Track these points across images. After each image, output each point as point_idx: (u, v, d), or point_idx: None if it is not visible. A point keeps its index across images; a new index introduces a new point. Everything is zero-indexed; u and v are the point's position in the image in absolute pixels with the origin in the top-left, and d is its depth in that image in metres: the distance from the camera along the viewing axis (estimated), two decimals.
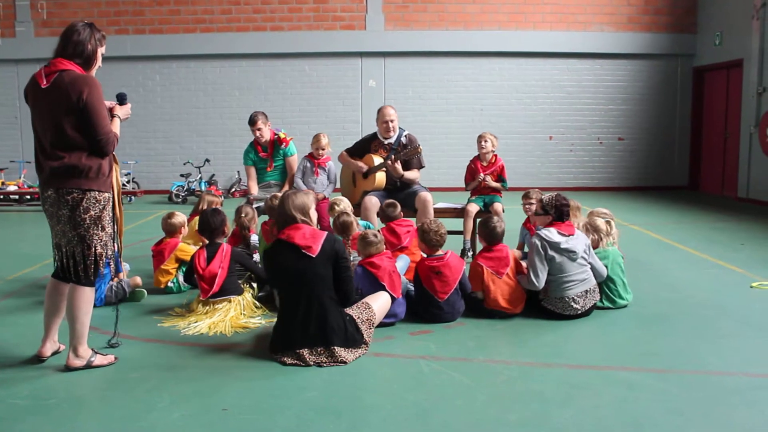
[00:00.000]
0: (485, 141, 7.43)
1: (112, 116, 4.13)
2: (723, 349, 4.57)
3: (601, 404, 3.65)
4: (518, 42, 14.93)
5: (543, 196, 5.48)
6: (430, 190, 7.34)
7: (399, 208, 6.19)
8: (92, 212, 3.93)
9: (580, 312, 5.17)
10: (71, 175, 3.87)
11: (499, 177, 7.45)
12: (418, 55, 15.01)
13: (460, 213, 7.32)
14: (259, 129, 7.29)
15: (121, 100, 4.26)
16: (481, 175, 7.35)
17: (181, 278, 6.08)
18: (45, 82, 3.89)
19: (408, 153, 6.99)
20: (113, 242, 4.10)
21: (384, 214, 6.19)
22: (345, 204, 6.29)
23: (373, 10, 14.84)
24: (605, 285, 5.47)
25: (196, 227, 6.52)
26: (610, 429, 3.35)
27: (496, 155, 7.51)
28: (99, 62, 4.10)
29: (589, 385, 3.92)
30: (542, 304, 5.26)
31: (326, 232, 4.49)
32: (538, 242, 5.20)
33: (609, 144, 15.45)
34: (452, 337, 4.81)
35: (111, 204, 4.05)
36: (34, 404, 3.64)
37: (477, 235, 5.74)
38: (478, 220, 6.15)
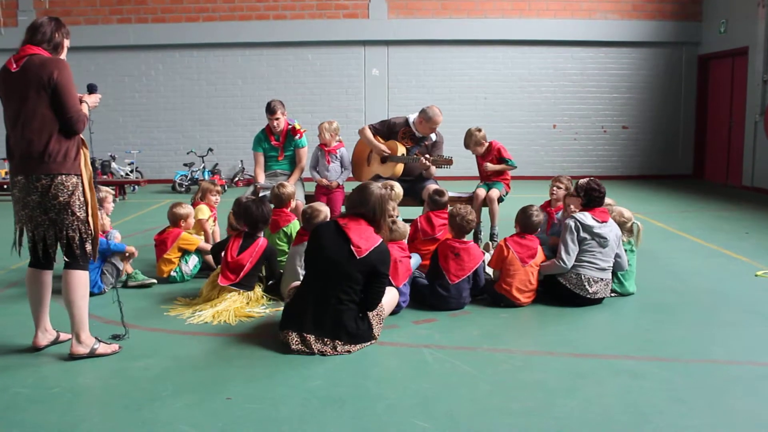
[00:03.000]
0: (473, 149, 7.39)
1: (81, 102, 4.14)
2: (727, 337, 4.57)
3: (605, 393, 3.64)
4: (522, 30, 14.84)
5: (581, 180, 5.51)
6: (435, 178, 7.31)
7: (447, 196, 6.15)
8: (60, 198, 3.96)
9: (589, 297, 5.18)
10: (40, 160, 3.92)
11: (501, 159, 7.37)
12: (421, 43, 14.95)
13: (465, 202, 7.27)
14: (277, 119, 7.21)
15: (91, 89, 4.30)
16: (487, 164, 7.31)
17: (184, 267, 6.08)
18: (15, 66, 3.97)
19: (438, 161, 6.86)
20: (86, 226, 4.09)
21: (431, 201, 6.13)
22: (399, 190, 6.28)
23: None
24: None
25: (198, 216, 6.55)
26: (614, 418, 3.34)
27: (490, 142, 7.43)
28: (64, 54, 4.17)
29: (593, 374, 3.91)
30: (557, 278, 5.27)
31: (381, 240, 4.40)
32: (572, 223, 5.25)
33: (613, 132, 15.39)
34: (456, 326, 4.81)
35: (81, 188, 4.05)
36: (37, 393, 3.65)
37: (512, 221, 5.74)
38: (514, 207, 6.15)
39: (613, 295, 5.45)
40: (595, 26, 14.87)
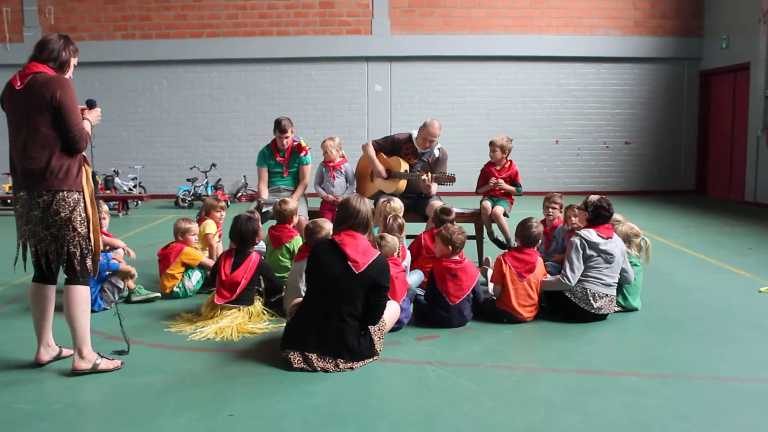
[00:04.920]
0: (494, 151, 7.31)
1: (83, 119, 4.17)
2: (731, 354, 4.55)
3: (609, 410, 3.62)
4: (524, 46, 14.92)
5: (592, 196, 5.49)
6: (438, 194, 7.30)
7: (453, 214, 6.10)
8: (62, 214, 3.98)
9: (594, 313, 5.17)
10: (42, 177, 3.95)
11: (513, 182, 7.37)
12: (424, 59, 15.03)
13: (468, 218, 7.26)
14: (287, 137, 7.23)
15: (91, 105, 4.32)
16: (493, 180, 7.28)
17: (187, 283, 6.08)
18: (19, 84, 4.00)
19: (441, 179, 6.80)
20: (87, 242, 4.11)
21: (437, 219, 6.06)
22: (399, 204, 6.23)
23: (379, 15, 14.85)
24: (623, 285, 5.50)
25: (205, 231, 6.55)
26: None
27: (510, 161, 7.45)
28: (71, 72, 4.21)
29: (596, 391, 3.89)
30: (563, 291, 5.27)
31: (379, 253, 4.42)
32: (578, 241, 5.24)
33: (615, 148, 15.42)
34: (459, 343, 4.79)
35: (82, 204, 4.07)
36: (39, 409, 3.64)
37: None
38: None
39: (617, 309, 5.45)
40: (597, 42, 14.94)
